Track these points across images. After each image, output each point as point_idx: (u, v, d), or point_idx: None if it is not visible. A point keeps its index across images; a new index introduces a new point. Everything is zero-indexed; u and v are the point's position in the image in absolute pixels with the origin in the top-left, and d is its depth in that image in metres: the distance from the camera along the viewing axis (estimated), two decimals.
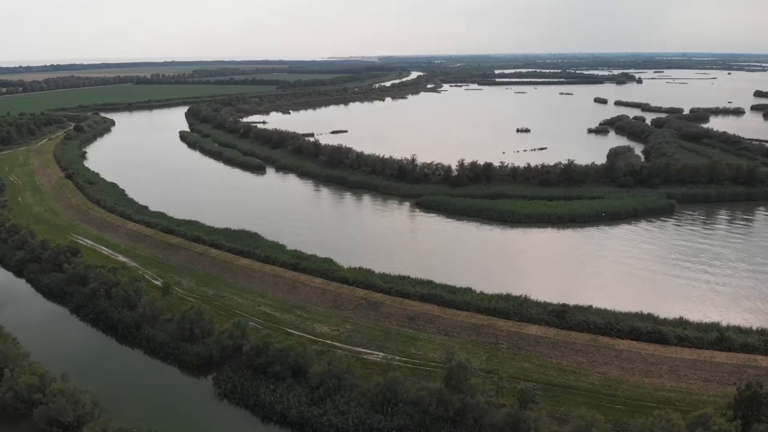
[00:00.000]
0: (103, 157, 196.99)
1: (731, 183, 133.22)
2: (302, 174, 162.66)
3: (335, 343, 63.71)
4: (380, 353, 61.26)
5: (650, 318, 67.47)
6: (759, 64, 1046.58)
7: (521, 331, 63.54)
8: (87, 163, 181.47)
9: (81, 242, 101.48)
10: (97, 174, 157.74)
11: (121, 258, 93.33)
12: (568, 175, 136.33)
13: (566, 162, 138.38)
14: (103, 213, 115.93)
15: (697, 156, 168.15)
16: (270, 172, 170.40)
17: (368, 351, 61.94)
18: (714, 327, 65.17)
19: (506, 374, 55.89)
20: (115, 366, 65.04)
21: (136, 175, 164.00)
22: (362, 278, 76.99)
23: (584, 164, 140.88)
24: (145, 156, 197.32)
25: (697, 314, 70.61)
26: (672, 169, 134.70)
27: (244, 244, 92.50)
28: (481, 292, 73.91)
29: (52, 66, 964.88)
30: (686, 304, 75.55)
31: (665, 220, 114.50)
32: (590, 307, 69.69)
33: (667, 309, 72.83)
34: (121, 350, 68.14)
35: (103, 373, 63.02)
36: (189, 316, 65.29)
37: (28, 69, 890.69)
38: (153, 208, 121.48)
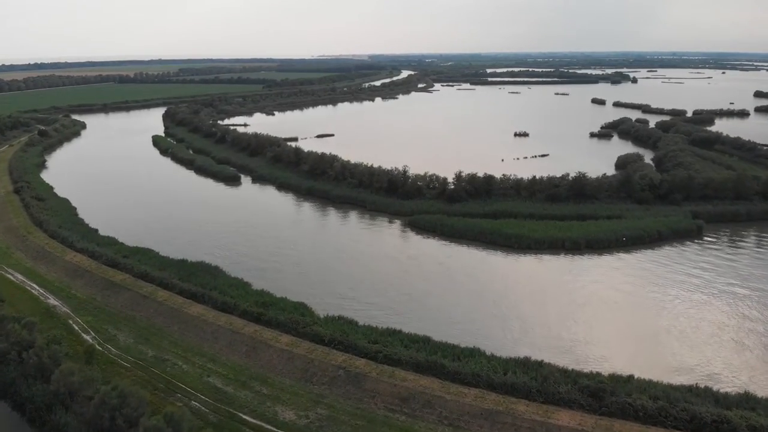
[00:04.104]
0: (64, 167, 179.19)
1: (760, 199, 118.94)
2: (281, 186, 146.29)
3: None
4: None
5: (709, 394, 52.43)
6: (751, 63, 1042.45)
7: (549, 420, 48.04)
8: (45, 174, 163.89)
9: (9, 277, 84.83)
10: (51, 187, 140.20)
11: (51, 300, 76.77)
12: (578, 189, 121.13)
13: (575, 174, 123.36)
14: (43, 238, 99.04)
15: (714, 165, 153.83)
16: (246, 182, 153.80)
17: None
18: None
19: None
20: None
21: (95, 187, 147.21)
22: (341, 335, 61.02)
23: (595, 176, 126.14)
24: (111, 164, 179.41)
25: (764, 386, 55.88)
26: (695, 183, 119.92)
27: (200, 283, 76.15)
28: (491, 354, 58.44)
29: (35, 65, 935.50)
30: (745, 363, 60.70)
31: (693, 244, 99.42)
32: (631, 377, 54.47)
33: (725, 374, 58.27)
34: None
35: None
36: (109, 401, 49.26)
37: (12, 67, 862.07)
38: (104, 231, 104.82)
